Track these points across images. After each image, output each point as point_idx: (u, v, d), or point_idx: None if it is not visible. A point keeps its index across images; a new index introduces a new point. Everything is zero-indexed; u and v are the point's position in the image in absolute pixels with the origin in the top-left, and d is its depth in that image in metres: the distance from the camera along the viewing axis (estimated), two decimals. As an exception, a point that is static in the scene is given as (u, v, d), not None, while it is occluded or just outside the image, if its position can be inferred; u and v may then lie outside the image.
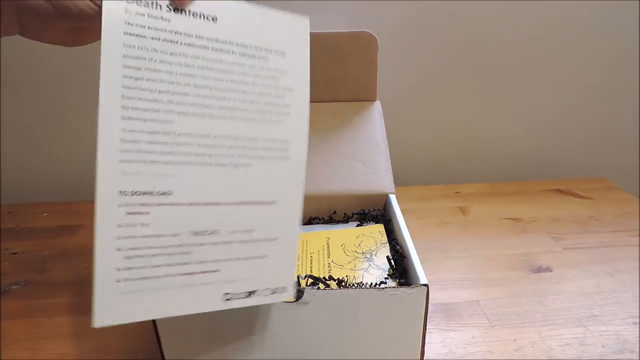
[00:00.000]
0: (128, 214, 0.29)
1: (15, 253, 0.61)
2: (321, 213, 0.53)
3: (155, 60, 0.29)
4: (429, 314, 0.36)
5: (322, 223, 0.52)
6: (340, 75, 0.58)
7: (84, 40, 0.34)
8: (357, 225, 0.50)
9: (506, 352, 0.44)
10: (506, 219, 0.67)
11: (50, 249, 0.61)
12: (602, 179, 0.79)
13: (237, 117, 0.32)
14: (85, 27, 0.32)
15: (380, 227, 0.47)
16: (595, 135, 0.82)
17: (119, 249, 0.29)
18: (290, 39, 0.34)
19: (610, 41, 0.75)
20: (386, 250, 0.44)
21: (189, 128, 0.30)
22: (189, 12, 0.31)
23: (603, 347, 0.45)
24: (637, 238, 0.62)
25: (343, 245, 0.45)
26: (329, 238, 0.47)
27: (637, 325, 0.47)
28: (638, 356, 0.44)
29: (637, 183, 0.84)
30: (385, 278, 0.40)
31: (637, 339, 0.45)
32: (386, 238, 0.46)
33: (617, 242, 0.61)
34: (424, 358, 0.38)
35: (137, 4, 0.29)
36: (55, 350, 0.45)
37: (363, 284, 0.39)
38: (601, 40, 0.75)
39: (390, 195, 0.51)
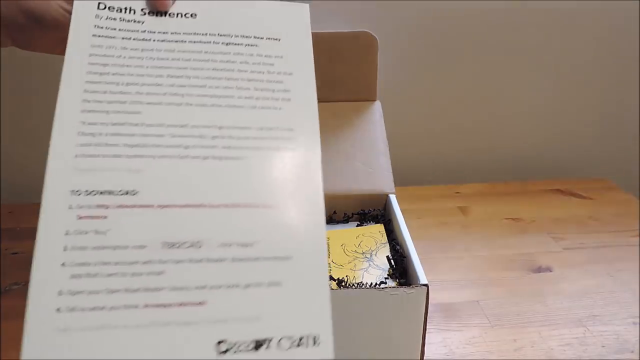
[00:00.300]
0: (79, 218, 0.23)
1: (15, 253, 0.61)
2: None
3: (124, 57, 0.28)
4: (429, 314, 0.36)
5: (322, 223, 0.52)
6: (340, 75, 0.58)
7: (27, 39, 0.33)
8: (357, 225, 0.50)
9: (506, 352, 0.44)
10: (506, 219, 0.67)
11: (50, 249, 0.61)
12: (602, 179, 0.79)
13: (221, 104, 0.28)
14: None
15: (380, 227, 0.47)
16: (595, 135, 0.82)
17: (63, 264, 0.22)
18: (286, 26, 0.31)
19: (611, 41, 0.75)
20: (386, 250, 0.44)
21: (161, 118, 0.26)
22: (166, 14, 0.30)
23: (603, 347, 0.45)
24: (637, 238, 0.62)
25: (343, 245, 0.45)
26: (328, 238, 0.47)
27: (637, 325, 0.47)
28: (638, 356, 0.44)
29: (637, 183, 0.84)
30: (385, 278, 0.40)
31: (637, 339, 0.45)
32: (386, 238, 0.46)
33: (617, 242, 0.61)
34: (424, 358, 0.38)
35: (108, 10, 0.29)
36: (55, 350, 0.45)
37: (363, 284, 0.39)
38: (601, 40, 0.75)
39: (390, 195, 0.51)
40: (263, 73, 0.29)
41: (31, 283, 0.22)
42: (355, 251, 0.44)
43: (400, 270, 0.41)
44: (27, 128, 0.75)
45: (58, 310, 0.22)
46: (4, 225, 0.68)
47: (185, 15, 0.30)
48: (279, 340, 0.22)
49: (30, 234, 0.70)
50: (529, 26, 0.73)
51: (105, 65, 0.28)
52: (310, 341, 0.23)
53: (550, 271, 0.56)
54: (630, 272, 0.55)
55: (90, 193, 0.24)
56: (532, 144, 0.82)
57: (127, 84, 0.27)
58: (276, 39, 0.30)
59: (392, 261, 0.42)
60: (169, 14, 0.30)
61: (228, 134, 0.27)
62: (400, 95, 0.76)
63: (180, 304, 0.22)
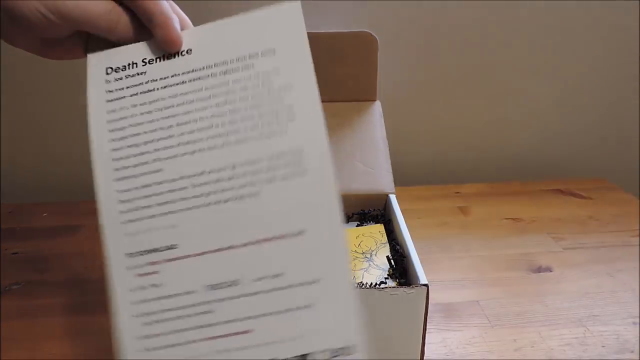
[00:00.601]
0: (137, 275, 0.27)
1: (15, 253, 0.61)
2: (321, 213, 0.53)
3: (136, 115, 0.29)
4: (429, 314, 0.36)
5: (322, 223, 0.52)
6: (340, 75, 0.57)
7: (55, 54, 0.33)
8: (357, 225, 0.50)
9: (506, 352, 0.44)
10: (506, 219, 0.67)
11: (50, 249, 0.61)
12: (602, 179, 0.79)
13: (231, 142, 0.28)
14: (54, 41, 0.32)
15: (380, 227, 0.47)
16: (595, 135, 0.82)
17: (135, 316, 0.27)
18: (280, 32, 0.30)
19: (610, 41, 0.75)
20: (386, 250, 0.44)
21: (180, 171, 0.28)
22: (164, 57, 0.31)
23: (603, 347, 0.45)
24: (637, 238, 0.62)
25: (343, 245, 0.45)
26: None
27: (637, 325, 0.47)
28: (638, 356, 0.44)
29: (637, 183, 0.84)
30: (385, 278, 0.40)
31: (637, 339, 0.45)
32: (386, 238, 0.46)
33: (617, 242, 0.61)
34: (424, 358, 0.38)
35: (115, 72, 0.31)
36: (55, 350, 0.45)
37: (363, 284, 0.39)
38: (601, 40, 0.75)
39: (390, 195, 0.51)
40: (263, 95, 0.29)
41: (117, 333, 0.27)
42: (355, 251, 0.44)
43: (400, 270, 0.41)
44: (27, 128, 0.75)
45: (141, 351, 0.27)
46: (4, 225, 0.68)
47: (181, 53, 0.31)
48: (320, 353, 0.26)
49: (30, 234, 0.70)
50: (529, 27, 0.73)
51: (123, 129, 0.29)
52: (346, 351, 0.26)
53: (550, 271, 0.56)
54: (630, 272, 0.55)
55: (141, 253, 0.27)
56: (532, 144, 0.82)
57: (145, 143, 0.29)
58: (271, 51, 0.29)
59: (392, 261, 0.42)
60: (167, 57, 0.31)
61: (242, 171, 0.28)
62: (400, 95, 0.76)
63: (231, 334, 0.26)
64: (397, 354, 0.38)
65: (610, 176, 0.80)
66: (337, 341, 0.26)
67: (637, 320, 0.48)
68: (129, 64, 0.31)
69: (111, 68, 0.31)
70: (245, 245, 0.27)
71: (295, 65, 0.29)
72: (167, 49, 0.30)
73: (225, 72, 0.29)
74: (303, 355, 0.26)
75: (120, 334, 0.27)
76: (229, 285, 0.27)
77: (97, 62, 0.31)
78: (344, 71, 0.57)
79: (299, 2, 0.30)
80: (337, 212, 0.27)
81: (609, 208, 0.70)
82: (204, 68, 0.30)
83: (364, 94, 0.59)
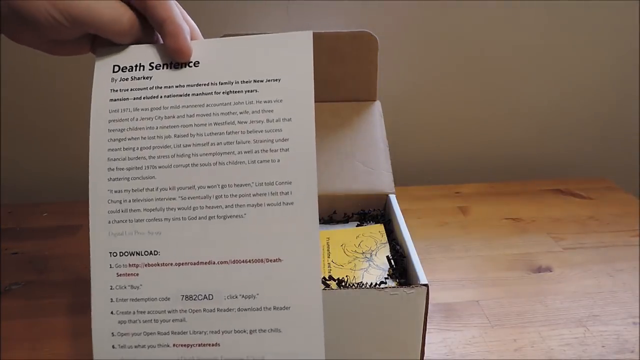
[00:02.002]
0: (119, 275, 0.29)
1: (15, 253, 0.61)
2: (321, 213, 0.53)
3: (137, 119, 0.30)
4: (429, 314, 0.36)
5: (322, 223, 0.52)
6: (340, 75, 0.57)
7: (62, 51, 0.32)
8: (357, 225, 0.50)
9: (506, 352, 0.44)
10: (506, 219, 0.67)
11: (50, 249, 0.61)
12: (602, 179, 0.79)
13: (224, 162, 0.29)
14: (62, 40, 0.31)
15: (380, 227, 0.47)
16: (595, 135, 0.82)
17: (112, 312, 0.28)
18: (288, 61, 0.30)
19: (610, 41, 0.75)
20: (386, 250, 0.44)
21: (171, 181, 0.29)
22: (171, 65, 0.31)
23: (603, 347, 0.45)
24: (637, 238, 0.62)
25: (343, 245, 0.45)
26: (329, 238, 0.47)
27: (637, 325, 0.47)
28: (638, 356, 0.44)
29: (637, 183, 0.84)
30: (385, 278, 0.40)
31: (637, 339, 0.45)
32: (386, 238, 0.46)
33: (617, 242, 0.61)
34: (424, 358, 0.38)
35: (122, 71, 0.31)
36: (55, 350, 0.45)
37: (363, 284, 0.39)
38: (601, 40, 0.75)
39: (390, 195, 0.51)
40: (262, 122, 0.29)
41: (93, 325, 0.28)
42: (355, 251, 0.44)
43: (400, 270, 0.41)
44: (27, 128, 0.75)
45: (113, 347, 0.28)
46: (4, 225, 0.68)
47: (189, 65, 0.31)
48: None
49: (29, 234, 0.70)
50: (529, 26, 0.73)
51: (122, 130, 0.30)
52: None
53: (550, 271, 0.56)
54: (630, 272, 0.55)
55: (123, 254, 0.29)
56: (532, 144, 0.82)
57: (142, 148, 0.29)
58: (276, 80, 0.30)
59: (392, 261, 0.42)
60: (174, 65, 0.31)
61: (230, 192, 0.29)
62: (400, 95, 0.76)
63: (200, 344, 0.28)
64: (397, 354, 0.38)
65: (610, 176, 0.80)
66: None
67: (637, 320, 0.48)
68: (136, 66, 0.31)
69: (118, 66, 0.31)
70: (223, 262, 0.28)
71: (297, 100, 0.29)
72: (176, 58, 0.30)
73: (228, 92, 0.30)
74: None
75: (95, 326, 0.28)
76: (203, 298, 0.28)
77: (105, 58, 0.31)
78: (344, 71, 0.57)
79: (311, 32, 0.30)
80: (316, 245, 0.28)
81: (609, 208, 0.70)
82: (209, 84, 0.30)
83: (364, 94, 0.59)
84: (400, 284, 0.39)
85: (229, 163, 0.29)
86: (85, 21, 0.29)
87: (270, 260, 0.28)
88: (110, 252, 0.29)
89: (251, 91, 0.30)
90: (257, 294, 0.28)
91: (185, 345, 0.28)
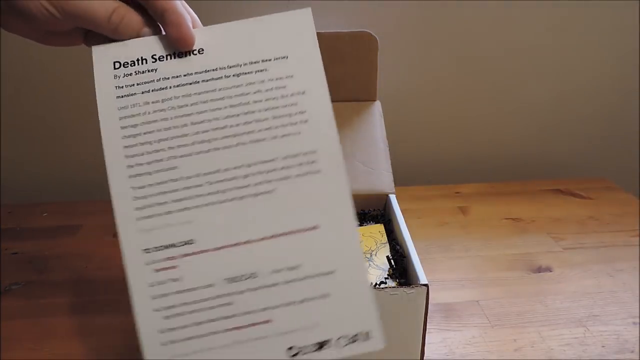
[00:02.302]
0: (157, 271, 0.28)
1: (15, 253, 0.61)
2: (321, 213, 0.53)
3: (149, 112, 0.29)
4: (429, 314, 0.36)
5: (322, 223, 0.52)
6: (340, 75, 0.57)
7: (55, 42, 0.33)
8: (357, 225, 0.50)
9: (506, 352, 0.44)
10: (506, 219, 0.67)
11: (50, 249, 0.61)
12: (602, 179, 0.79)
13: (245, 142, 0.29)
14: (52, 30, 0.31)
15: (380, 227, 0.47)
16: (595, 135, 0.82)
17: (156, 310, 0.27)
18: (292, 39, 0.31)
19: (610, 41, 0.75)
20: (386, 250, 0.44)
21: (195, 169, 0.29)
22: (175, 54, 0.30)
23: (603, 347, 0.45)
24: (637, 238, 0.62)
25: (343, 245, 0.45)
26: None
27: (637, 325, 0.47)
28: (638, 356, 0.44)
29: (637, 183, 0.84)
30: (385, 278, 0.40)
31: (637, 339, 0.45)
32: (386, 238, 0.46)
33: (617, 242, 0.61)
34: (424, 358, 0.38)
35: (123, 67, 0.30)
36: (55, 350, 0.45)
37: (363, 284, 0.39)
38: (601, 40, 0.75)
39: (390, 195, 0.51)
40: (277, 99, 0.30)
41: (139, 327, 0.27)
42: (355, 251, 0.44)
43: (400, 270, 0.41)
44: (27, 128, 0.75)
45: (163, 344, 0.27)
46: (4, 225, 0.68)
47: (193, 52, 0.31)
48: (337, 340, 0.27)
49: (29, 234, 0.70)
50: (529, 26, 0.73)
51: (135, 126, 0.29)
52: (363, 337, 0.27)
53: (550, 271, 0.56)
54: (630, 272, 0.55)
55: (158, 249, 0.28)
56: (532, 144, 0.82)
57: (159, 141, 0.29)
58: (284, 57, 0.30)
59: (392, 261, 0.42)
60: (177, 55, 0.30)
61: (257, 170, 0.29)
62: (400, 95, 0.76)
63: (251, 324, 0.27)
64: (397, 354, 0.38)
65: (610, 176, 0.80)
66: (354, 328, 0.27)
67: (637, 320, 0.48)
68: (137, 60, 0.30)
69: (119, 62, 0.30)
70: (262, 239, 0.28)
71: (308, 72, 0.30)
72: (179, 47, 0.30)
73: (238, 75, 0.30)
74: (321, 342, 0.27)
75: (141, 328, 0.27)
76: (247, 278, 0.28)
77: (103, 55, 0.31)
78: (344, 71, 0.57)
79: (309, 8, 0.31)
80: (349, 207, 0.28)
81: (609, 208, 0.70)
82: (217, 69, 0.30)
83: (364, 94, 0.59)
84: (400, 284, 0.39)
85: (251, 142, 0.29)
86: (77, 14, 0.29)
87: (308, 229, 0.28)
88: (144, 250, 0.28)
89: (261, 71, 0.30)
90: (301, 264, 0.28)
91: (236, 328, 0.27)
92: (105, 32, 0.30)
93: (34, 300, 0.52)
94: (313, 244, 0.28)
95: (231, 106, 0.30)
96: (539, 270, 0.56)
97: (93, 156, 0.77)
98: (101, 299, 0.52)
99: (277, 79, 0.30)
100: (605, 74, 0.78)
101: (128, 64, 0.30)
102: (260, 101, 0.30)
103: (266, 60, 0.30)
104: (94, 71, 0.30)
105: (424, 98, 0.77)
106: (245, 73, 0.30)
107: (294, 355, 0.27)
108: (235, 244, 0.28)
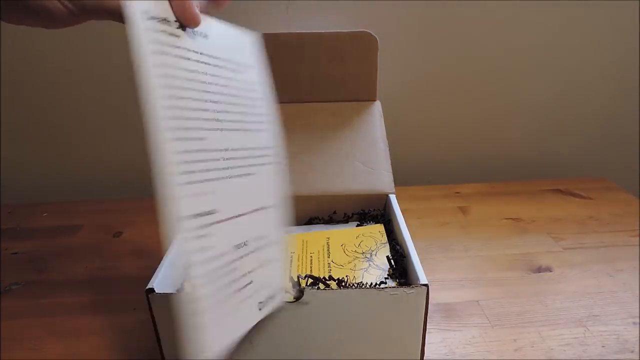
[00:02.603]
0: (194, 238, 0.28)
1: (15, 253, 0.61)
2: (321, 213, 0.53)
3: (179, 78, 0.28)
4: (429, 314, 0.36)
5: (322, 223, 0.52)
6: (340, 75, 0.58)
7: (63, 26, 0.32)
8: (357, 225, 0.50)
9: (506, 352, 0.44)
10: (506, 219, 0.67)
11: (50, 249, 0.61)
12: (602, 179, 0.79)
13: (241, 128, 0.33)
14: (66, 25, 0.31)
15: (380, 227, 0.47)
16: (595, 135, 0.82)
17: (198, 277, 0.28)
18: (253, 53, 0.35)
19: (610, 41, 0.75)
20: (386, 250, 0.44)
21: (215, 144, 0.30)
22: (190, 32, 0.30)
23: (603, 347, 0.45)
24: (637, 238, 0.62)
25: (343, 245, 0.45)
26: (329, 238, 0.47)
27: (637, 325, 0.47)
28: (638, 356, 0.44)
29: (637, 183, 0.84)
30: (385, 278, 0.40)
31: (637, 339, 0.45)
32: (386, 238, 0.46)
33: (617, 242, 0.61)
34: (424, 358, 0.38)
35: (154, 22, 0.28)
36: (55, 350, 0.45)
37: (363, 284, 0.39)
38: (601, 40, 0.75)
39: (390, 195, 0.51)
40: (252, 99, 0.34)
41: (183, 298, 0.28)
42: (355, 251, 0.44)
43: (400, 270, 0.41)
44: (27, 128, 0.75)
45: (205, 311, 0.29)
46: (4, 225, 0.68)
47: (201, 34, 0.30)
48: (277, 294, 0.35)
49: (29, 234, 0.70)
50: (529, 26, 0.73)
51: (170, 87, 0.28)
52: (283, 291, 0.35)
53: (550, 271, 0.56)
54: (630, 272, 0.55)
55: (195, 216, 0.28)
56: (532, 144, 0.82)
57: (189, 109, 0.29)
58: (252, 66, 0.35)
59: (392, 261, 0.42)
60: (189, 33, 0.30)
61: (250, 154, 0.33)
62: (400, 95, 0.76)
63: (245, 286, 0.32)
64: (397, 354, 0.38)
65: (610, 176, 0.80)
66: (283, 284, 0.35)
67: (637, 320, 0.48)
68: (165, 19, 0.28)
69: (149, 14, 0.27)
70: (249, 213, 0.33)
71: (263, 82, 0.36)
72: (185, 22, 0.29)
73: (233, 70, 0.33)
74: (271, 296, 0.34)
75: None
76: (244, 245, 0.32)
77: (136, 7, 0.27)
78: (344, 71, 0.57)
79: (260, 32, 0.36)
80: (285, 194, 0.36)
81: (609, 208, 0.70)
82: (219, 58, 0.32)
83: (364, 94, 0.59)
84: (400, 284, 0.39)
85: (245, 130, 0.33)
86: (93, 9, 0.30)
87: (269, 207, 0.35)
88: (187, 216, 0.27)
89: (242, 72, 0.34)
90: (266, 234, 0.34)
91: (238, 289, 0.31)
92: (123, 22, 0.30)
93: (34, 300, 0.52)
94: (270, 218, 0.35)
95: (230, 95, 0.32)
96: (539, 270, 0.56)
97: (93, 156, 0.78)
98: (101, 299, 0.52)
99: (250, 83, 0.34)
100: (605, 74, 0.78)
101: (158, 19, 0.28)
102: (245, 98, 0.34)
103: (245, 64, 0.34)
104: (129, 20, 0.27)
105: (424, 98, 0.77)
106: (237, 71, 0.33)
107: (260, 309, 0.33)
108: (238, 215, 0.32)
